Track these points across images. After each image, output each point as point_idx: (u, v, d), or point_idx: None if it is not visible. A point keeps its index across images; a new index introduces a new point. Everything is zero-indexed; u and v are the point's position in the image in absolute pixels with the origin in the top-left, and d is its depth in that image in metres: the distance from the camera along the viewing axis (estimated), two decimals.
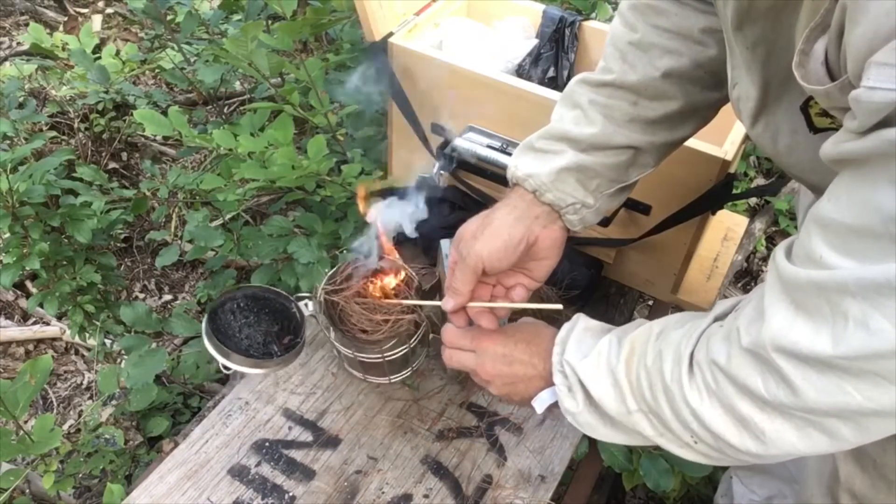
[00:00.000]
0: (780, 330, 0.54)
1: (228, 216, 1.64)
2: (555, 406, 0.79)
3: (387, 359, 1.01)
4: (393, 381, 1.10)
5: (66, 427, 1.73)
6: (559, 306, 0.85)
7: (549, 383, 0.77)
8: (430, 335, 1.07)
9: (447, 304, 0.83)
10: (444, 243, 0.95)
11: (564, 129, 0.82)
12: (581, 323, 0.80)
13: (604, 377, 0.71)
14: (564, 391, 0.75)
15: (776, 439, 0.58)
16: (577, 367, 0.74)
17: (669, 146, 0.84)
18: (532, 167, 0.81)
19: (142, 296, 2.04)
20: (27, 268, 1.35)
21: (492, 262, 0.80)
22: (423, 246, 1.26)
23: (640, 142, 0.81)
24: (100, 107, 2.19)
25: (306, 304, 0.98)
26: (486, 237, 0.80)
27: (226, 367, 0.93)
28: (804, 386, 0.53)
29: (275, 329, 0.98)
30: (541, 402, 0.80)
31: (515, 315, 0.90)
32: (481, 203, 1.27)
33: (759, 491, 1.26)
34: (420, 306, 1.00)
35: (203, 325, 0.94)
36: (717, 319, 0.66)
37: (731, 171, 1.06)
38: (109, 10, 2.94)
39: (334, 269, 1.07)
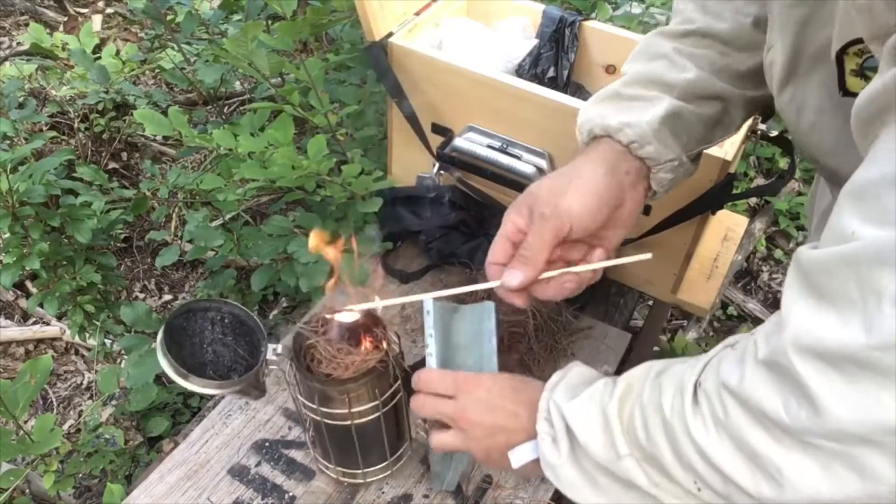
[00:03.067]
0: (801, 326, 0.46)
1: (228, 216, 1.64)
2: (535, 465, 0.70)
3: (355, 422, 0.87)
4: (367, 473, 0.96)
5: (66, 427, 1.73)
6: (648, 255, 0.74)
7: (532, 437, 0.69)
8: (411, 429, 0.97)
9: (513, 278, 0.70)
10: (428, 301, 0.84)
11: (658, 74, 0.73)
12: (575, 369, 0.72)
13: (593, 419, 0.63)
14: (548, 441, 0.66)
15: (795, 480, 0.49)
16: (563, 408, 0.65)
17: (757, 103, 0.77)
18: (627, 116, 0.71)
19: (142, 296, 2.04)
20: (27, 268, 1.35)
21: (583, 222, 0.69)
22: (423, 246, 1.26)
23: (731, 94, 0.74)
24: (100, 107, 2.19)
25: (275, 349, 0.86)
26: (576, 192, 0.69)
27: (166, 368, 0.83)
28: (830, 400, 0.45)
29: (242, 363, 0.87)
30: (518, 456, 0.70)
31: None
32: (481, 203, 1.27)
33: None
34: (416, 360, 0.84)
35: (170, 316, 0.86)
36: (728, 347, 0.58)
37: (731, 171, 1.06)
38: (109, 10, 2.94)
39: (309, 314, 0.96)
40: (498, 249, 0.74)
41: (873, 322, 0.42)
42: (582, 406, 0.65)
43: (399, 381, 0.89)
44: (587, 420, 0.63)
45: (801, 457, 0.48)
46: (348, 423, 0.88)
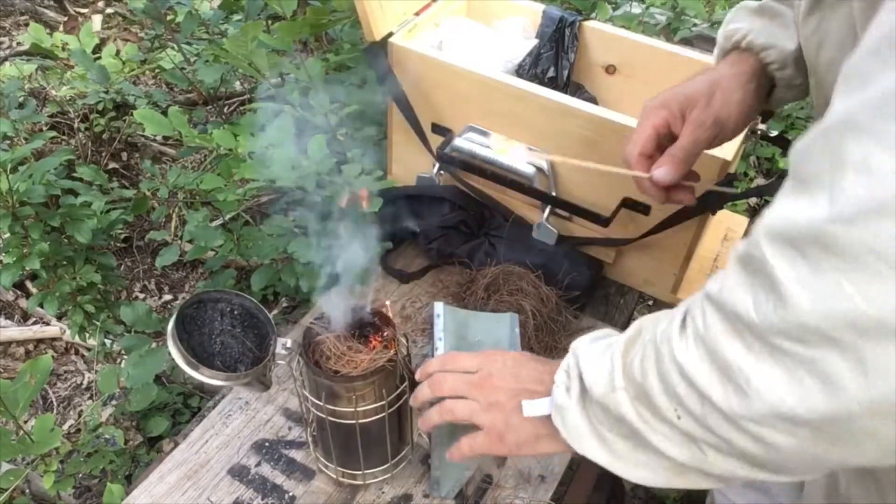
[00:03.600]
0: (775, 212, 0.46)
1: (228, 216, 1.64)
2: (545, 427, 0.71)
3: (360, 421, 0.88)
4: (367, 475, 0.96)
5: (66, 427, 1.73)
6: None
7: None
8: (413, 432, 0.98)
9: (666, 174, 0.77)
10: (438, 305, 0.88)
11: None
12: (604, 329, 0.73)
13: (602, 363, 0.64)
14: (562, 388, 0.68)
15: (762, 389, 0.48)
16: (579, 351, 0.67)
17: None
18: (772, 36, 0.77)
19: (142, 296, 2.05)
20: (27, 268, 1.34)
21: (731, 137, 0.77)
22: (423, 246, 1.26)
23: None
24: (100, 107, 2.18)
25: (284, 344, 0.87)
26: (737, 109, 0.76)
27: (172, 348, 0.84)
28: (794, 289, 0.44)
29: (250, 356, 0.88)
30: (531, 407, 0.71)
31: None
32: (481, 203, 1.27)
33: (738, 500, 1.25)
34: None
35: (182, 305, 0.87)
36: None
37: (731, 171, 1.06)
38: (109, 10, 2.94)
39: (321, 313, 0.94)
40: (646, 141, 0.80)
41: (838, 193, 0.41)
42: (596, 353, 0.66)
43: (406, 383, 0.89)
44: (597, 363, 0.64)
45: (769, 365, 0.47)
46: (353, 421, 0.88)
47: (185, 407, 1.62)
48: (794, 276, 0.44)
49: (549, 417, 0.70)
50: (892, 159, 0.39)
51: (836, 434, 0.46)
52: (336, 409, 0.87)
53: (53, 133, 2.21)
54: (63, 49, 2.37)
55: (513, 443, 0.73)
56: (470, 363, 0.77)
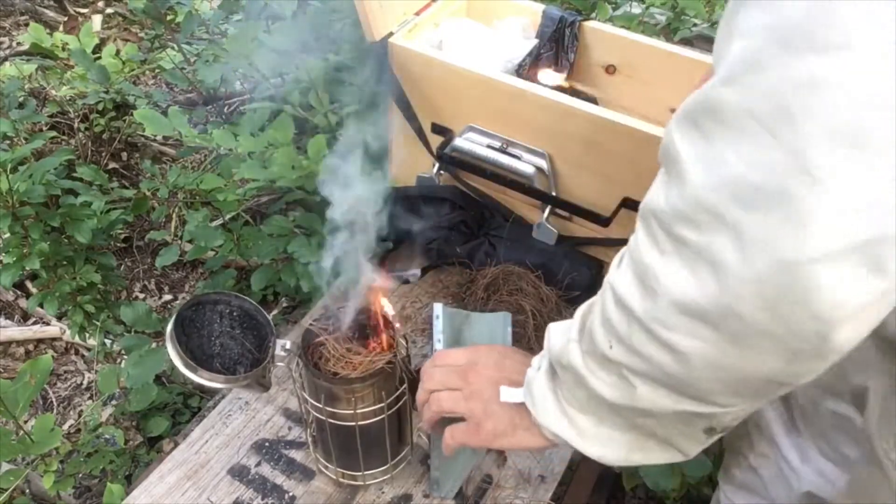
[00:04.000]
0: (688, 98, 0.48)
1: (228, 216, 1.64)
2: (524, 411, 0.71)
3: (359, 423, 0.87)
4: (367, 476, 0.96)
5: (66, 427, 1.73)
6: None
7: None
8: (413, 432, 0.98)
9: None
10: (437, 306, 0.88)
11: None
12: None
13: (564, 328, 0.66)
14: (534, 368, 0.70)
15: (668, 284, 0.49)
16: (551, 327, 0.68)
17: None
18: None
19: (142, 296, 2.04)
20: (27, 268, 1.35)
21: None
22: (423, 246, 1.26)
23: None
24: (100, 107, 2.18)
25: (284, 346, 0.87)
26: None
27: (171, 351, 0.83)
28: (692, 165, 0.45)
29: (249, 357, 0.89)
30: (508, 393, 0.72)
31: None
32: (481, 203, 1.27)
33: (739, 503, 1.26)
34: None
35: (181, 307, 0.88)
36: None
37: None
38: (109, 10, 2.94)
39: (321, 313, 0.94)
40: None
41: (727, 59, 0.43)
42: (563, 325, 0.67)
43: (405, 385, 0.89)
44: (560, 331, 0.66)
45: (674, 260, 0.48)
46: (352, 423, 0.88)
47: (185, 407, 1.61)
48: (693, 152, 0.45)
49: (525, 406, 0.70)
50: (766, 16, 0.41)
51: (733, 333, 0.47)
52: (336, 410, 0.87)
53: (53, 133, 2.21)
54: (63, 49, 2.37)
55: (490, 432, 0.73)
56: (459, 357, 0.78)
